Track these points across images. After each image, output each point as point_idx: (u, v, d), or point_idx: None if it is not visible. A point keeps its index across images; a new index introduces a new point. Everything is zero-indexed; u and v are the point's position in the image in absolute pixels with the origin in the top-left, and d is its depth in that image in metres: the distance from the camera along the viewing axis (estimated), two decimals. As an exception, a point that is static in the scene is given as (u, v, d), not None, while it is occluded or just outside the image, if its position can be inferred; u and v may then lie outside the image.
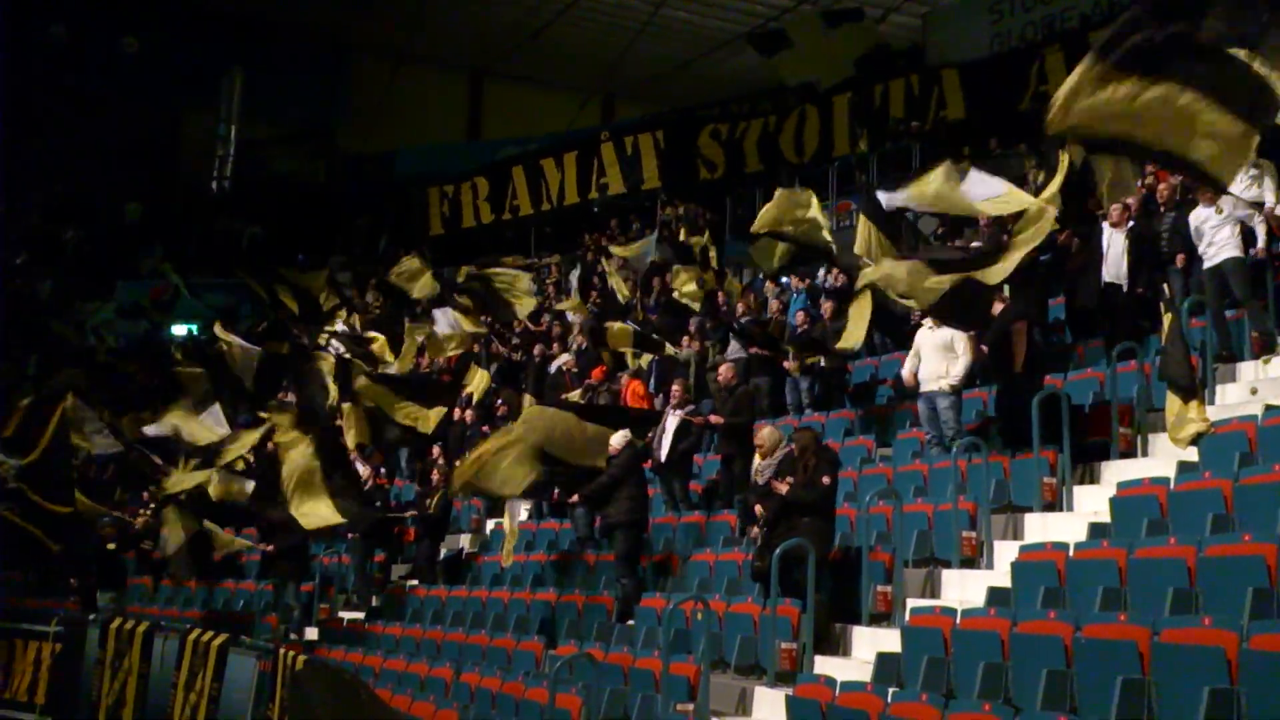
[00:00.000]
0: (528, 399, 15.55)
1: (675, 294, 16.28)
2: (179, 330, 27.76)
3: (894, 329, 12.51)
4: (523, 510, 13.38)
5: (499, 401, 16.04)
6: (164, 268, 27.98)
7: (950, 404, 10.17)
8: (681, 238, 17.90)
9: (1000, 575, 8.25)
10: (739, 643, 8.95)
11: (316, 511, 12.06)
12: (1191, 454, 8.34)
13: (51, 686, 11.64)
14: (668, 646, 8.70)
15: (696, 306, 15.66)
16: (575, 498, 11.65)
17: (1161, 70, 6.73)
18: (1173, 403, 8.37)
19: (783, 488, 8.99)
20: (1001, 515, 9.17)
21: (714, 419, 11.91)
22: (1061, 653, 6.41)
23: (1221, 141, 6.73)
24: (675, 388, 12.51)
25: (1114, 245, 10.43)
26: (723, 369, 12.50)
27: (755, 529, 9.28)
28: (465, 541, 15.09)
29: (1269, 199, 9.86)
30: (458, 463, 12.23)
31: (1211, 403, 9.08)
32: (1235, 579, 6.27)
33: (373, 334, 16.88)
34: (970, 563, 8.93)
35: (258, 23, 30.53)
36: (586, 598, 11.15)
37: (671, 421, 12.00)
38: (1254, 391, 9.08)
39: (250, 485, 15.15)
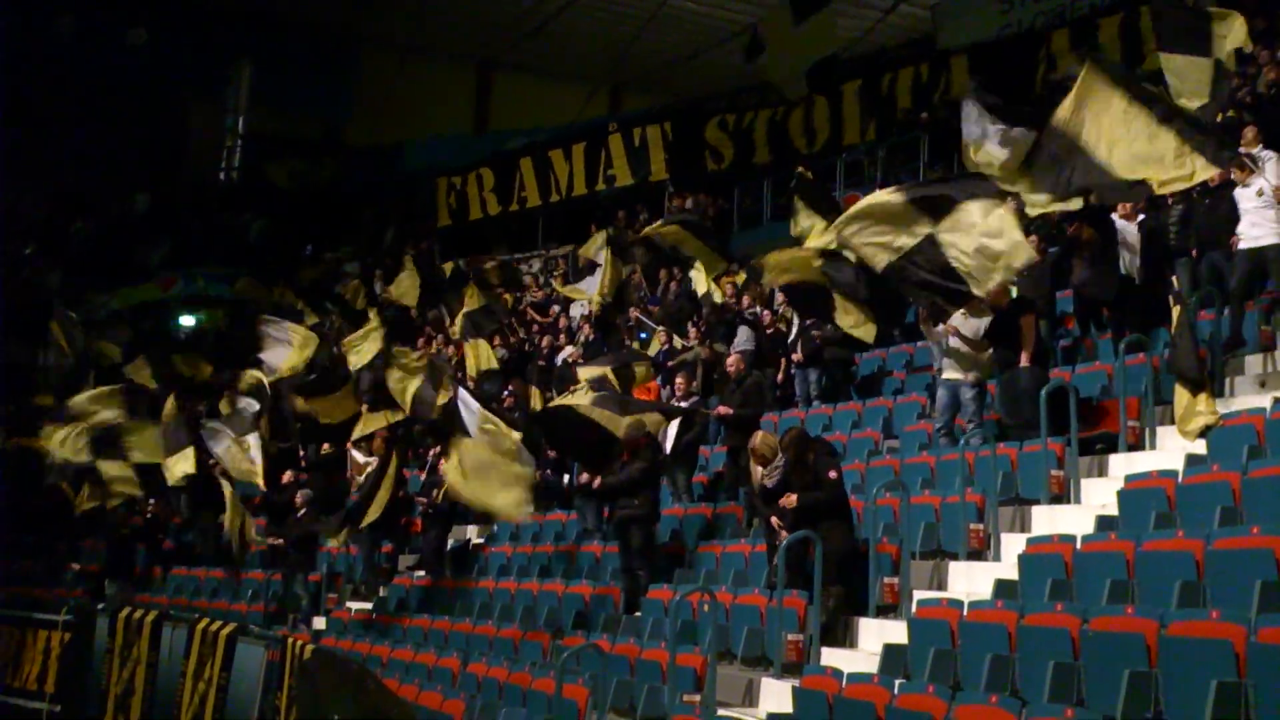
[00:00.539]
0: (534, 390, 15.57)
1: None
2: (187, 321, 27.85)
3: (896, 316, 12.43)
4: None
5: (506, 393, 16.05)
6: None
7: (974, 394, 10.15)
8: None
9: (1007, 567, 8.24)
10: (745, 634, 8.96)
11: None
12: (1200, 447, 8.32)
13: (61, 675, 11.69)
14: (674, 638, 8.71)
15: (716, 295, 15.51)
16: (596, 483, 11.58)
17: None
18: (1181, 395, 8.36)
19: (792, 500, 8.89)
20: (1009, 507, 9.16)
21: (722, 410, 11.90)
22: (1069, 645, 6.40)
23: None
24: (679, 380, 12.51)
25: (1125, 238, 10.40)
26: (731, 360, 12.49)
27: (784, 534, 9.14)
28: (472, 532, 15.12)
29: None
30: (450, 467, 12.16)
31: (1220, 395, 9.05)
32: (1243, 572, 6.26)
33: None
34: (977, 555, 8.92)
35: (265, 15, 30.51)
36: (593, 589, 11.17)
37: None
38: (1262, 384, 9.06)
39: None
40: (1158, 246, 10.38)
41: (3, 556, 18.37)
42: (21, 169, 29.48)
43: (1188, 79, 9.15)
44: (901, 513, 9.15)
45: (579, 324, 17.77)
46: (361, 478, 14.96)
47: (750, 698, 8.54)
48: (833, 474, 9.01)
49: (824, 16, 19.48)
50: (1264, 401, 8.43)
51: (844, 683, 7.31)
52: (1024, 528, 8.95)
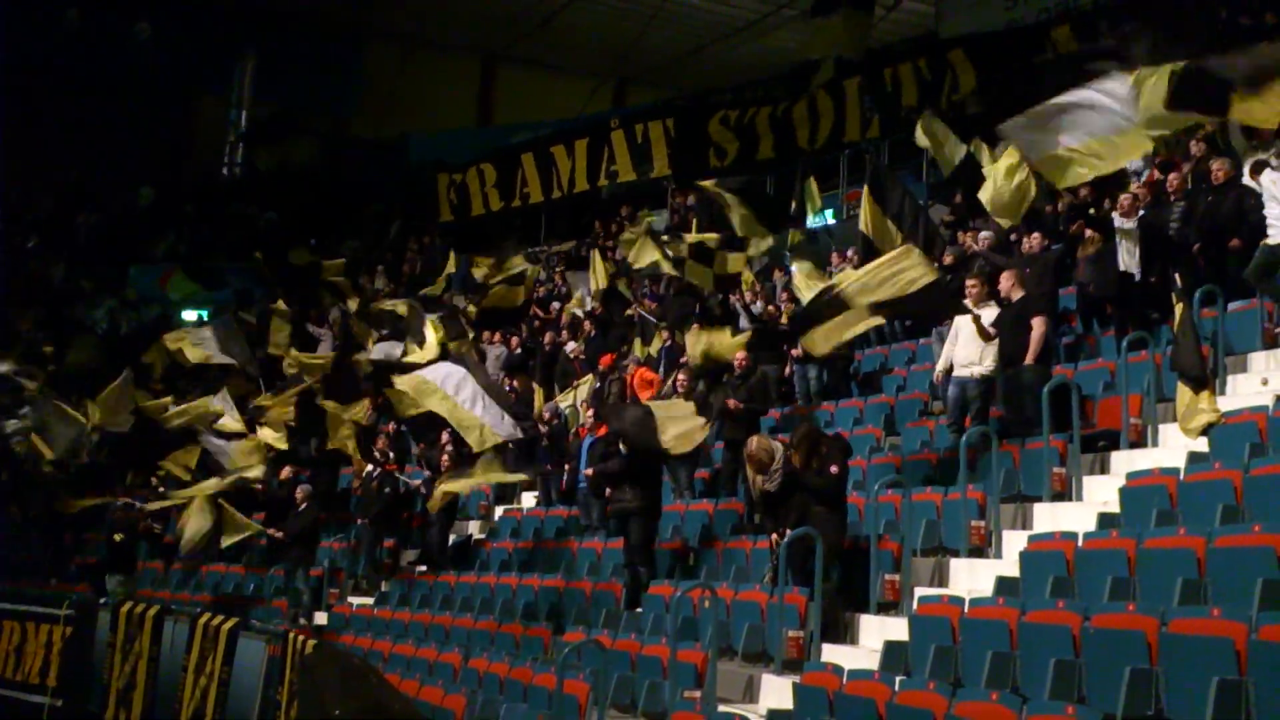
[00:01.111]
0: (537, 386, 15.59)
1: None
2: (189, 316, 27.81)
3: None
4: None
5: (509, 388, 16.05)
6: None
7: (982, 391, 10.14)
8: (693, 235, 17.78)
9: (1009, 565, 8.24)
10: (746, 630, 8.96)
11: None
12: (1202, 444, 8.31)
13: (63, 669, 11.70)
14: (675, 634, 8.71)
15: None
16: (588, 472, 11.63)
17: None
18: (1183, 393, 8.35)
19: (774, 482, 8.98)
20: (1010, 505, 9.16)
21: (731, 404, 11.88)
22: (1070, 642, 6.40)
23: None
24: (681, 376, 12.51)
25: (1125, 236, 10.38)
26: (738, 356, 12.48)
27: (775, 538, 9.15)
28: (474, 528, 15.13)
29: None
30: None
31: (1222, 393, 9.04)
32: (1245, 570, 6.25)
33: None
34: (979, 552, 8.92)
35: (270, 8, 30.50)
36: (594, 584, 11.17)
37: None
38: (1264, 382, 9.04)
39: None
40: (1160, 243, 10.36)
41: (4, 550, 18.41)
42: (25, 162, 29.52)
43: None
44: (903, 509, 9.15)
45: (581, 320, 17.78)
46: (362, 474, 14.98)
47: (751, 694, 8.55)
48: (834, 468, 9.02)
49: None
50: (1266, 399, 8.42)
51: (845, 679, 7.30)
52: (1025, 525, 8.95)
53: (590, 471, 11.56)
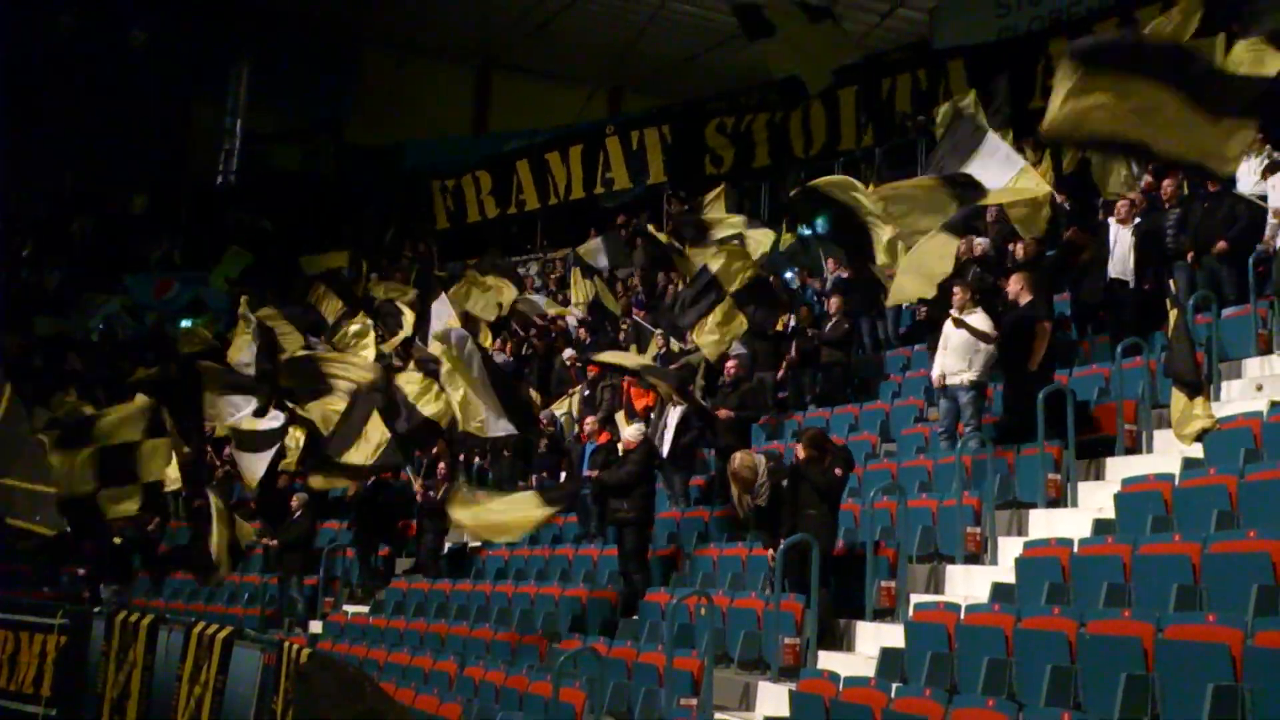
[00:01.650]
0: (534, 393, 15.56)
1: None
2: (186, 324, 27.79)
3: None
4: None
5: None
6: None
7: (972, 398, 10.14)
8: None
9: (1004, 571, 8.24)
10: (742, 638, 8.95)
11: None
12: (1196, 450, 8.32)
13: (56, 679, 11.65)
14: (671, 641, 8.70)
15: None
16: (593, 475, 11.62)
17: (1140, 71, 6.87)
18: (1178, 399, 8.35)
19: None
20: (1006, 511, 9.17)
21: (723, 413, 11.89)
22: (1065, 649, 6.40)
23: (1212, 136, 6.81)
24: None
25: (1120, 241, 10.41)
26: (730, 364, 12.49)
27: (772, 553, 9.15)
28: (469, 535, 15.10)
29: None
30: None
31: (1217, 399, 9.05)
32: (1240, 576, 6.25)
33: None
34: (974, 558, 8.92)
35: (265, 14, 30.51)
36: (590, 592, 11.16)
37: (673, 417, 12.00)
38: (1259, 388, 9.06)
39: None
40: (1154, 249, 10.38)
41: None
42: (21, 168, 29.48)
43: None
44: (899, 516, 9.15)
45: (575, 327, 17.77)
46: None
47: (747, 701, 8.53)
48: (839, 471, 9.04)
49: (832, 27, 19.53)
50: (1261, 405, 8.43)
51: (841, 686, 7.29)
52: (1021, 531, 8.96)
53: (594, 474, 11.51)
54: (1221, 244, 10.05)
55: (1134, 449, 9.26)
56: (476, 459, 15.55)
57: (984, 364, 10.16)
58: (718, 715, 8.10)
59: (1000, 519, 9.06)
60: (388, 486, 14.94)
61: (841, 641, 8.75)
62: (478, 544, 14.63)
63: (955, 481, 9.20)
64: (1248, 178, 10.38)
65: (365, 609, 14.00)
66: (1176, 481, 7.84)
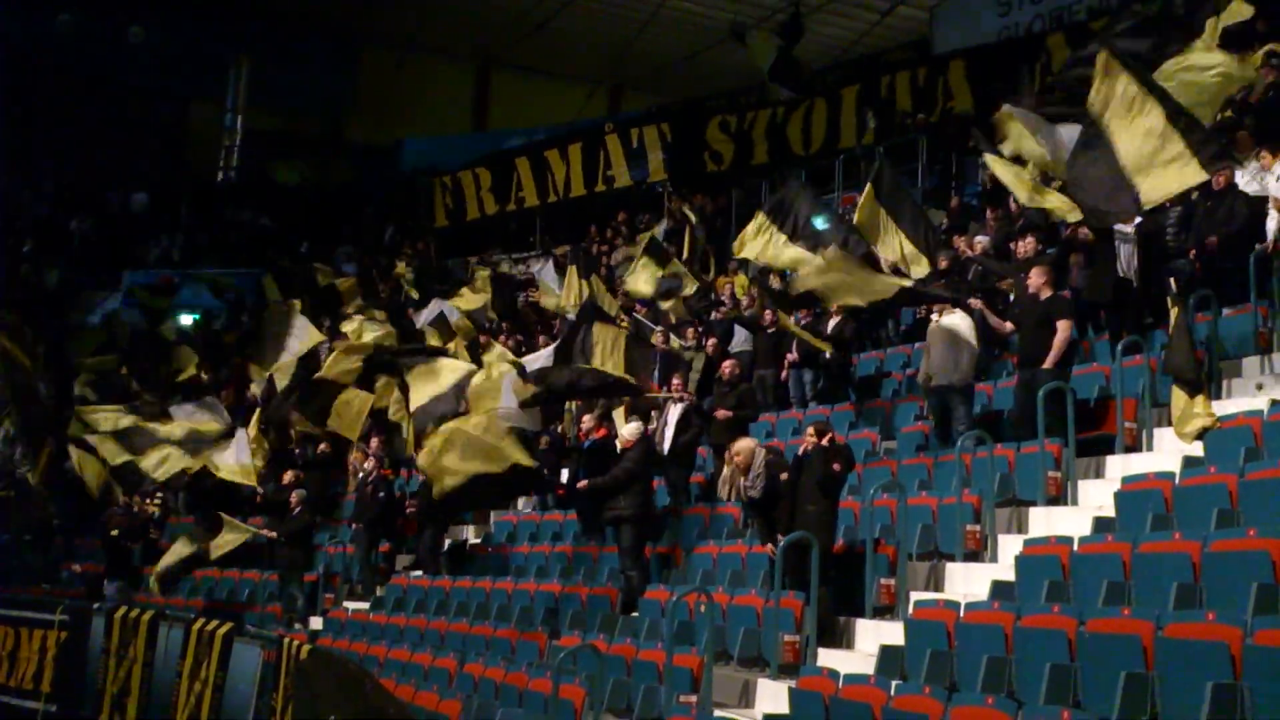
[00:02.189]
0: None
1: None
2: (185, 320, 27.78)
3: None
4: None
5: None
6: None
7: (960, 398, 10.15)
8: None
9: (1004, 569, 8.24)
10: (742, 635, 8.96)
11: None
12: (1197, 449, 8.33)
13: (57, 675, 11.68)
14: (671, 638, 8.71)
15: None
16: (583, 485, 11.63)
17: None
18: (1178, 397, 8.36)
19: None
20: (1006, 509, 9.17)
21: (720, 413, 11.89)
22: (1065, 647, 6.41)
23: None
24: (675, 381, 12.51)
25: (1122, 240, 10.40)
26: (727, 364, 12.49)
27: (771, 547, 9.19)
28: (469, 532, 15.11)
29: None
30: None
31: (1217, 397, 9.06)
32: (1239, 574, 6.26)
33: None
34: (974, 556, 8.93)
35: (264, 12, 30.50)
36: (590, 589, 11.16)
37: (673, 414, 12.01)
38: (1259, 387, 9.06)
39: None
40: (1155, 248, 10.38)
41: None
42: (19, 166, 29.46)
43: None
44: (899, 514, 9.16)
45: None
46: (357, 478, 14.99)
47: (747, 699, 8.54)
48: (837, 466, 9.05)
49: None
50: (1261, 404, 8.44)
51: (840, 684, 7.30)
52: (1021, 529, 8.96)
53: (584, 484, 11.50)
54: (1213, 239, 10.06)
55: (1134, 447, 9.27)
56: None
57: (968, 365, 10.17)
58: (717, 713, 8.10)
59: (1000, 517, 9.06)
60: (388, 484, 14.94)
61: (841, 639, 8.75)
62: (478, 541, 14.66)
63: (955, 479, 9.21)
64: (1249, 183, 10.41)
65: (365, 605, 14.00)
66: (1177, 480, 7.84)
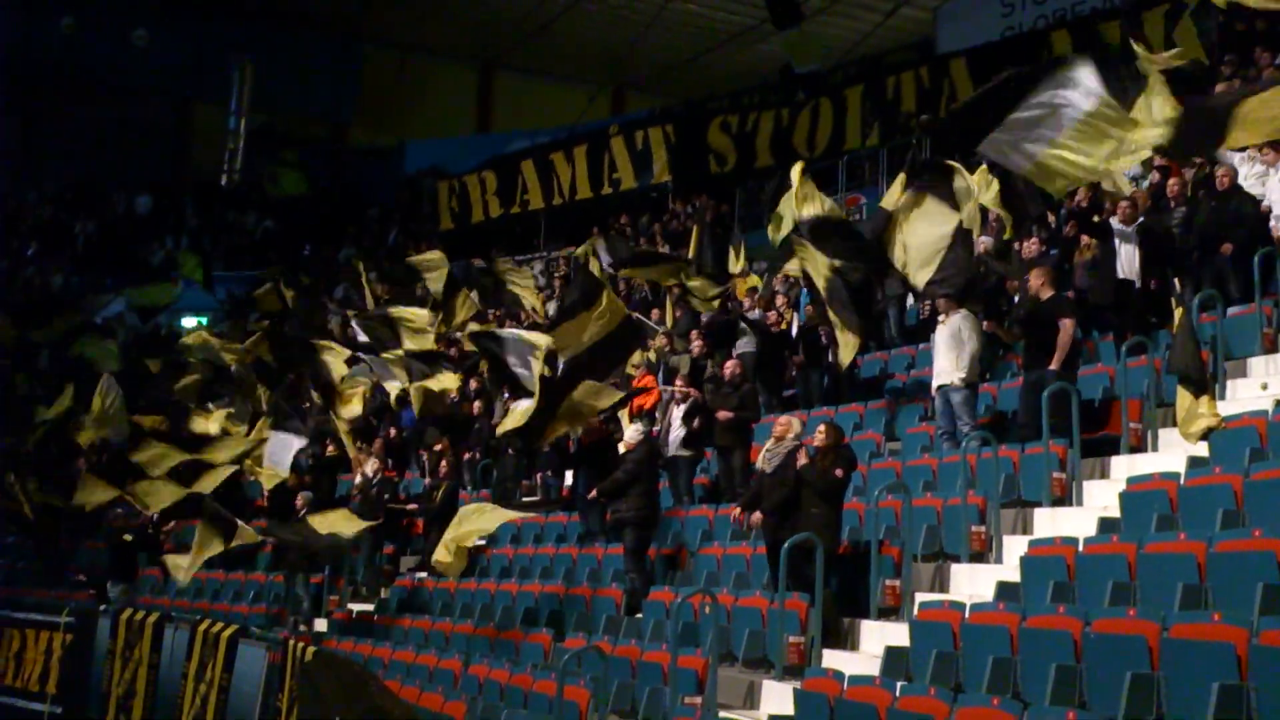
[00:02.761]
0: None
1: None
2: (189, 323, 27.83)
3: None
4: None
5: (505, 395, 15.99)
6: (185, 263, 27.84)
7: (964, 398, 10.14)
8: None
9: (1009, 570, 8.23)
10: (747, 636, 8.95)
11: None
12: (1202, 449, 8.32)
13: (62, 677, 11.70)
14: (676, 640, 8.70)
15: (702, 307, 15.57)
16: (591, 492, 11.65)
17: None
18: (1183, 397, 8.36)
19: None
20: (1011, 510, 9.16)
21: (722, 415, 11.89)
22: (1070, 647, 6.40)
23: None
24: (678, 381, 12.52)
25: (1124, 241, 10.40)
26: (729, 365, 12.49)
27: (758, 515, 9.32)
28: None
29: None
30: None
31: (1222, 398, 9.05)
32: (1245, 575, 6.25)
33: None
34: (979, 557, 8.91)
35: (267, 14, 30.56)
36: (595, 591, 11.16)
37: (676, 415, 12.01)
38: (1264, 387, 9.06)
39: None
40: (1159, 248, 10.37)
41: (4, 558, 18.40)
42: (24, 169, 29.54)
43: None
44: (904, 515, 9.15)
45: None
46: (360, 479, 14.96)
47: (751, 700, 8.54)
48: (838, 472, 9.04)
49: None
50: (1266, 404, 8.42)
51: (845, 685, 7.30)
52: (1026, 530, 8.95)
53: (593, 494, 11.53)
54: (1227, 246, 10.04)
55: (1139, 448, 9.26)
56: (479, 456, 15.54)
57: (970, 363, 10.16)
58: (722, 714, 8.09)
59: (1005, 517, 9.05)
60: (393, 485, 14.94)
61: (846, 640, 8.75)
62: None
63: (960, 480, 9.20)
64: (1250, 184, 10.40)
65: (370, 607, 14.00)
66: (1182, 480, 7.83)
